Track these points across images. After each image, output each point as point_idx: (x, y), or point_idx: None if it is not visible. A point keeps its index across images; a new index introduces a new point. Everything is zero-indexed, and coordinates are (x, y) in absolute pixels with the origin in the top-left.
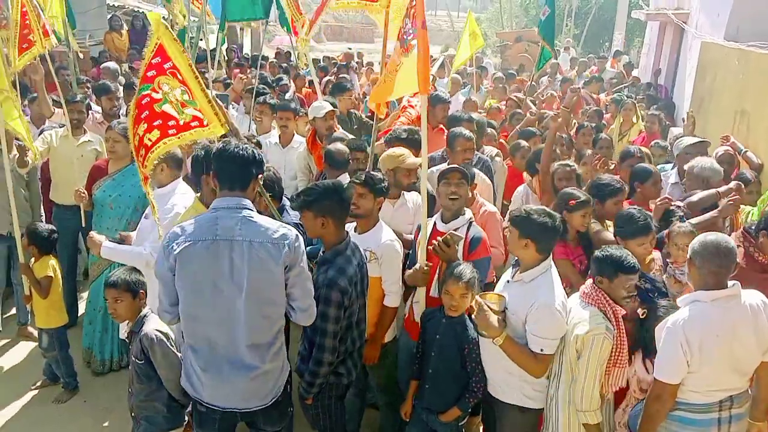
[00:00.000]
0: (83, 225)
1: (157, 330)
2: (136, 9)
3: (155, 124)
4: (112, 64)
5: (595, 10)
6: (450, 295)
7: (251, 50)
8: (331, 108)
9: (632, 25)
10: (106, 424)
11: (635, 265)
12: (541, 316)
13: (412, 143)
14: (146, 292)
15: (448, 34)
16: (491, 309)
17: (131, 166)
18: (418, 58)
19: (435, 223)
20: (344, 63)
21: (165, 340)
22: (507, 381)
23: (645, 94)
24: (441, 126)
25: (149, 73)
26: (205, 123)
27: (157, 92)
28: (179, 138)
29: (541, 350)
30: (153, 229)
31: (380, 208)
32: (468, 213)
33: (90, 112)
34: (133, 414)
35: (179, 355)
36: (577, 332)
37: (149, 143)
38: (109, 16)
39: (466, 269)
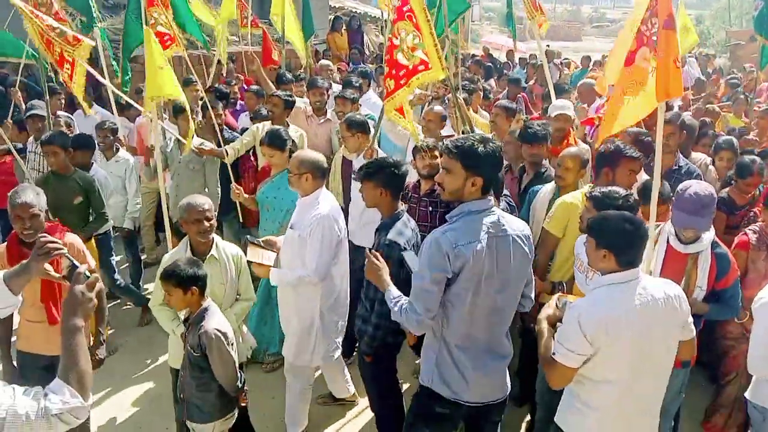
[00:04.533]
0: (240, 220)
1: (216, 329)
2: (353, 10)
3: (393, 73)
4: (326, 62)
5: None
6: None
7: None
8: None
9: None
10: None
11: None
12: (565, 319)
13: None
14: (202, 289)
15: None
16: (561, 309)
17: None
18: (659, 63)
19: (668, 240)
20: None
21: (223, 339)
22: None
23: None
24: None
25: (394, 17)
26: (429, 66)
27: (396, 38)
28: (408, 86)
29: (554, 354)
30: (302, 244)
31: None
32: (708, 233)
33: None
34: (181, 396)
35: (233, 354)
36: None
37: (388, 89)
38: (331, 17)
39: None
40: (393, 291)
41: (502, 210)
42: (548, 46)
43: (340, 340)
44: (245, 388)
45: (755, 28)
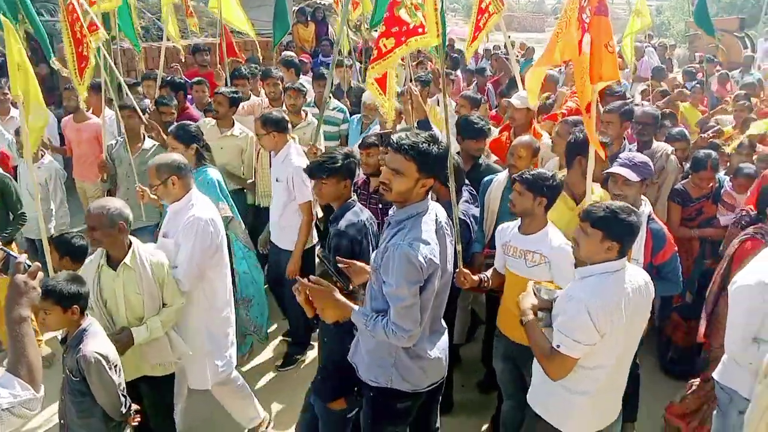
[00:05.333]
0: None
1: (96, 352)
2: (317, 1)
3: (393, 30)
4: (289, 53)
5: None
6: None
7: None
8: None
9: None
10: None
11: None
12: (570, 309)
13: None
14: (83, 308)
15: (625, 23)
16: (539, 296)
17: (199, 169)
18: (592, 49)
19: None
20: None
21: (103, 362)
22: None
23: None
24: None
25: None
26: (426, 31)
27: None
28: (407, 45)
29: (558, 346)
30: (175, 250)
31: (547, 209)
32: (646, 207)
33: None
34: (62, 421)
35: (115, 377)
36: None
37: (384, 49)
38: (295, 8)
39: None
40: (361, 310)
41: (466, 200)
42: (509, 37)
43: (232, 353)
44: (133, 409)
45: (695, 22)
